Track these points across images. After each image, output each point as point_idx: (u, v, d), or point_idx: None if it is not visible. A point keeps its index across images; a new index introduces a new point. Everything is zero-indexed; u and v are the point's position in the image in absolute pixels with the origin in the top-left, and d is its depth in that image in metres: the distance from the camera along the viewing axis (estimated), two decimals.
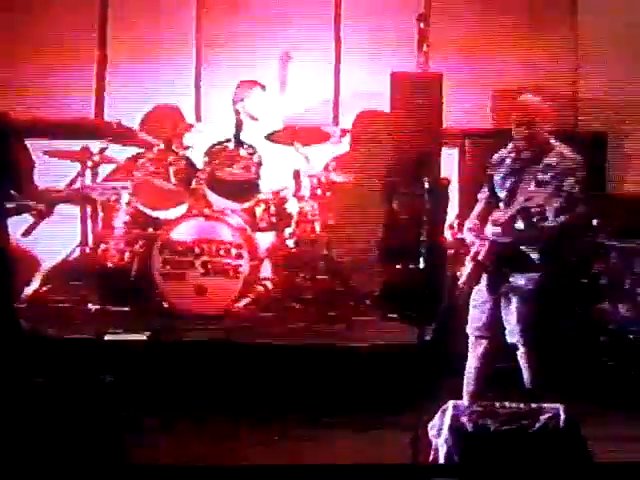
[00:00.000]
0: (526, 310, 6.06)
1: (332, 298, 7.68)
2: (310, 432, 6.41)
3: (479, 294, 6.16)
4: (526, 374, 6.14)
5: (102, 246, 7.68)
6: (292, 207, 7.82)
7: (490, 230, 6.09)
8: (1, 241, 6.14)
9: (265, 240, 7.80)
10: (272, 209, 7.77)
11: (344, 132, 8.26)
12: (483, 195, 6.31)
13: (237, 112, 7.89)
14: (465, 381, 6.26)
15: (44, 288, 7.61)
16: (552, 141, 6.14)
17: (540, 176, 5.99)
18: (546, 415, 5.55)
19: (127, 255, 7.60)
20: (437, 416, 5.69)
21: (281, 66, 8.28)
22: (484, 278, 6.12)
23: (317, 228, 7.82)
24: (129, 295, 7.53)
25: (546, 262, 6.07)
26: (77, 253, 7.81)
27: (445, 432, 5.58)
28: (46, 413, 5.50)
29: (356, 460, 5.78)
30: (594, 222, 7.38)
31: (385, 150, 8.00)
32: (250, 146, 7.78)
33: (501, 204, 6.16)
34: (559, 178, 5.99)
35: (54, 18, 8.18)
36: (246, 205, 7.75)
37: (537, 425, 5.54)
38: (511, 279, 6.09)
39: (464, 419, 5.57)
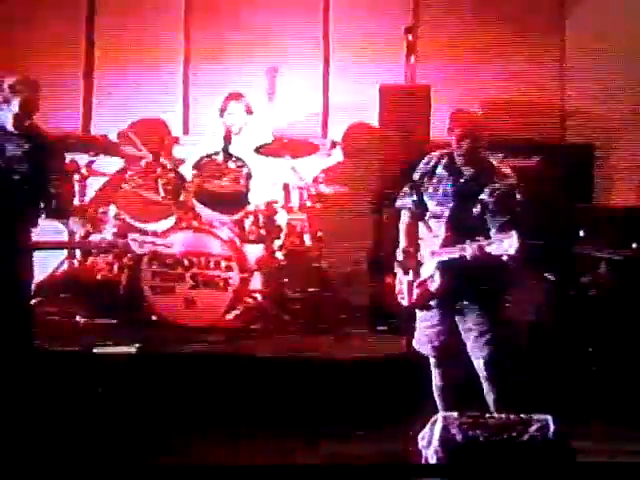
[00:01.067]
0: (483, 327, 5.96)
1: (322, 310, 7.68)
2: (300, 443, 6.40)
3: (432, 315, 6.06)
4: (487, 389, 6.04)
5: (90, 259, 7.69)
6: (281, 219, 7.83)
7: (435, 257, 5.95)
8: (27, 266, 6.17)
9: (255, 252, 7.79)
10: (261, 221, 7.78)
11: (333, 144, 8.28)
12: (406, 204, 6.14)
13: (224, 124, 7.90)
14: (437, 401, 6.19)
15: (34, 301, 7.60)
16: (490, 158, 6.03)
17: (486, 199, 5.88)
18: (535, 426, 5.56)
19: (115, 268, 7.62)
20: (427, 427, 5.69)
21: (269, 79, 8.29)
22: (434, 301, 6.04)
23: (307, 240, 7.83)
24: (118, 308, 7.54)
25: (498, 281, 5.99)
26: (65, 266, 7.82)
27: (435, 443, 5.59)
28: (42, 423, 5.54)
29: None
30: (581, 233, 7.41)
31: (374, 162, 8.02)
32: (239, 158, 7.79)
33: (432, 219, 6.02)
34: (505, 200, 5.89)
35: (40, 32, 8.20)
36: (235, 217, 7.76)
37: (526, 436, 5.55)
38: (464, 300, 5.99)
39: (454, 430, 5.58)
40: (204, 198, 7.71)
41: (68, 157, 7.77)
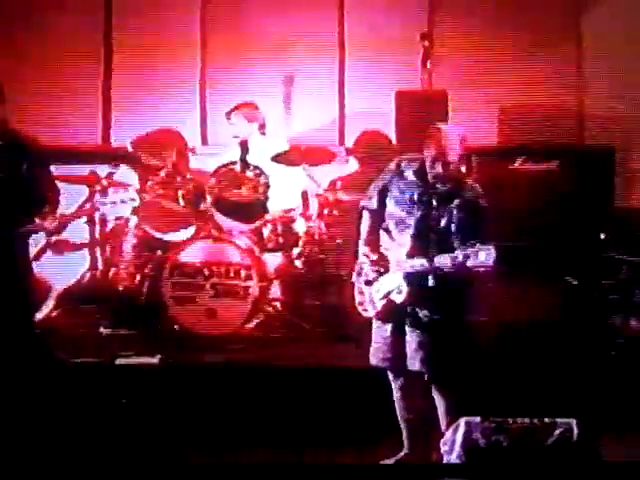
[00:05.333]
0: (430, 339, 5.88)
1: (342, 318, 7.68)
2: (322, 455, 6.39)
3: (389, 327, 5.98)
4: (438, 401, 6.00)
5: (112, 270, 7.73)
6: (299, 227, 7.84)
7: (403, 268, 5.84)
8: (24, 267, 6.22)
9: (274, 261, 7.81)
10: (279, 229, 7.78)
11: (350, 151, 8.29)
12: (370, 205, 6.02)
13: (236, 135, 7.91)
14: (400, 421, 6.13)
15: (55, 312, 7.64)
16: (460, 172, 5.94)
17: (456, 211, 5.81)
18: (559, 430, 5.55)
19: (137, 278, 7.64)
20: (449, 433, 5.69)
21: (285, 88, 8.32)
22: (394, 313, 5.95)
23: (325, 247, 7.84)
24: (140, 318, 7.55)
25: (462, 293, 5.93)
26: (87, 277, 7.85)
27: (457, 448, 5.59)
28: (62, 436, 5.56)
29: None
30: (602, 236, 7.40)
31: None
32: (256, 167, 7.80)
33: (394, 225, 5.92)
34: (476, 214, 5.82)
35: (58, 44, 8.25)
36: (254, 226, 7.77)
37: (550, 440, 5.54)
38: (422, 312, 5.91)
39: (477, 435, 5.58)
40: (223, 207, 7.71)
41: (88, 168, 7.85)
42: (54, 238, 6.81)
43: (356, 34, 8.32)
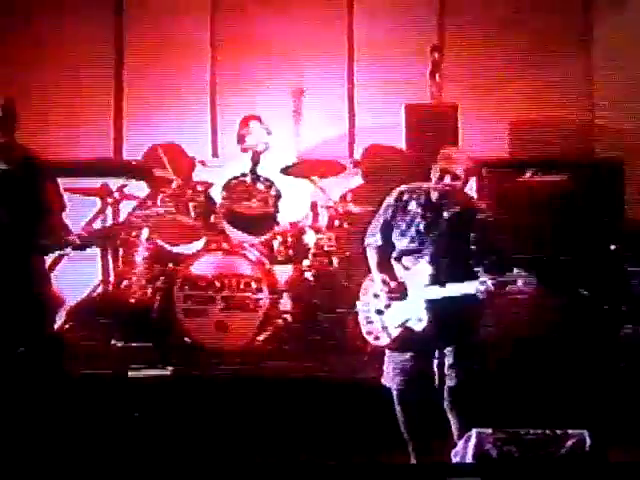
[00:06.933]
0: (457, 359, 5.86)
1: (352, 330, 7.67)
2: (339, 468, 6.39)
3: (410, 353, 5.94)
4: (450, 416, 5.95)
5: (124, 283, 7.75)
6: (309, 239, 7.85)
7: (427, 295, 5.81)
8: (41, 280, 6.23)
9: (284, 273, 7.82)
10: (290, 241, 7.80)
11: (357, 164, 8.30)
12: (374, 242, 6.00)
13: (244, 149, 7.93)
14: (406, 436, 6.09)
15: (67, 325, 7.67)
16: (468, 194, 5.99)
17: (472, 235, 5.80)
18: (571, 441, 5.56)
19: (149, 291, 7.66)
20: (460, 444, 5.70)
21: (295, 101, 8.34)
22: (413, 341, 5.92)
23: (334, 260, 7.85)
24: (151, 331, 7.57)
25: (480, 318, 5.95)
26: (99, 290, 7.88)
27: (469, 459, 5.59)
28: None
29: None
30: (612, 248, 7.42)
31: (399, 181, 8.03)
32: (267, 179, 7.82)
33: (406, 257, 5.90)
34: (494, 236, 5.83)
35: (71, 59, 8.29)
36: (264, 238, 7.78)
37: (562, 451, 5.54)
38: (447, 338, 5.87)
39: (488, 446, 5.58)
40: (233, 220, 7.73)
41: (100, 181, 7.88)
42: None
43: (366, 47, 8.35)
